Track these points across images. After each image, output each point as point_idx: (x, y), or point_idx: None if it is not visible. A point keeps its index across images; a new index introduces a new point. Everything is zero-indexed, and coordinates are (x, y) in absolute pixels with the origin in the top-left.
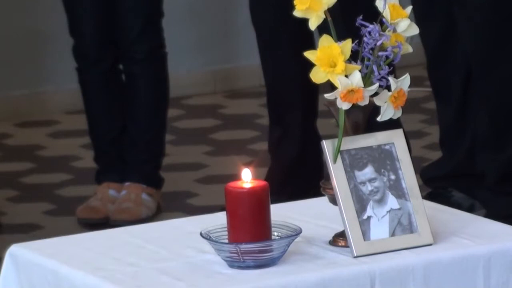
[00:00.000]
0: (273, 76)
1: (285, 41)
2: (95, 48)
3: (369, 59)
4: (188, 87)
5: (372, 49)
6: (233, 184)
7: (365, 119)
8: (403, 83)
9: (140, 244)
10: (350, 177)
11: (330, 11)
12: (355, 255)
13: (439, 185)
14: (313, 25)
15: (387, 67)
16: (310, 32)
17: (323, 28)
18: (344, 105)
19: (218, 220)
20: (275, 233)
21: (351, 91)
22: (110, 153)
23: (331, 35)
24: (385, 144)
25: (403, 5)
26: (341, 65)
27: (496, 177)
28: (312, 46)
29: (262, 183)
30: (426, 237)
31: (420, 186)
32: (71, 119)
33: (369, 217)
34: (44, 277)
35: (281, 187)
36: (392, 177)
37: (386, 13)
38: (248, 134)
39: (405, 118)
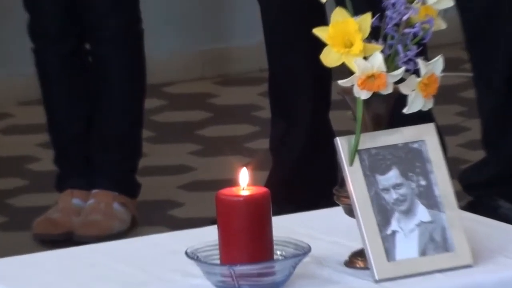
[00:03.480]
0: (278, 59)
1: (294, 18)
2: (56, 24)
3: (393, 37)
4: (170, 71)
5: (397, 25)
6: (226, 191)
7: (389, 111)
8: (435, 66)
9: (111, 265)
10: (371, 182)
11: None
12: (377, 278)
13: (481, 192)
14: None
15: (415, 47)
16: (321, 5)
17: (337, 0)
18: (363, 94)
19: (208, 236)
20: (278, 252)
21: (371, 76)
22: (74, 153)
23: (346, 7)
24: (413, 142)
25: None
26: (358, 44)
27: None
28: (324, 21)
29: (262, 189)
30: (464, 256)
31: (457, 194)
32: (26, 111)
33: (394, 232)
34: None
35: (286, 194)
36: (422, 182)
37: None
38: (245, 130)
39: (438, 110)
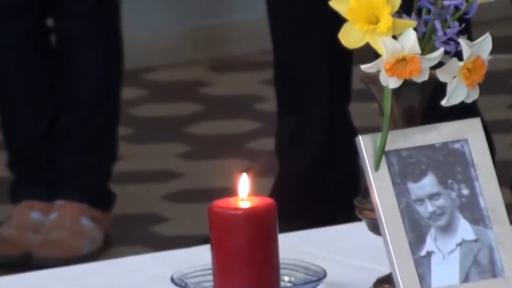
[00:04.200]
0: (285, 39)
1: None
2: None
3: (429, 12)
4: (153, 54)
5: None
6: (221, 203)
7: (423, 103)
8: (481, 47)
9: None
10: (401, 191)
11: None
12: None
13: None
14: None
15: (456, 23)
16: None
17: None
18: (392, 82)
19: (199, 258)
20: (286, 278)
21: (402, 60)
22: (33, 157)
23: None
24: (454, 142)
25: None
26: (386, 20)
27: None
28: None
29: (265, 201)
30: None
31: (508, 206)
32: None
33: (429, 253)
34: None
35: (295, 207)
36: (465, 191)
37: None
38: (245, 127)
39: (485, 102)
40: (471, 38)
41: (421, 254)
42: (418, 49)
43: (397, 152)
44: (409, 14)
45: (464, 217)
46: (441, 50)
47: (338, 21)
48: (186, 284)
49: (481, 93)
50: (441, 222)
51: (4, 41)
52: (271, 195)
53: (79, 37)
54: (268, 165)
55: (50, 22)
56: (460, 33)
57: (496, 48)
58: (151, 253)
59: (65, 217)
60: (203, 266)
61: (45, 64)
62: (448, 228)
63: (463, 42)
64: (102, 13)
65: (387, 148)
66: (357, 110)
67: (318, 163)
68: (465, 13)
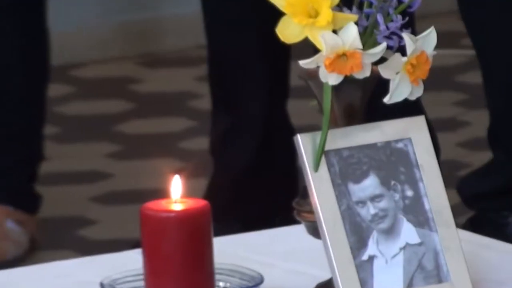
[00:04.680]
0: (220, 34)
1: None
2: None
3: (371, 5)
4: (81, 49)
5: None
6: (153, 206)
7: (365, 100)
8: (425, 42)
9: None
10: (342, 193)
11: None
12: None
13: (486, 206)
14: None
15: (399, 17)
16: None
17: None
18: (332, 78)
19: (130, 263)
20: (221, 284)
21: (343, 55)
22: None
23: None
24: (397, 141)
25: None
26: (326, 14)
27: None
28: None
29: (199, 203)
30: None
31: (454, 208)
32: None
33: (371, 258)
34: None
35: (231, 209)
36: (409, 193)
37: None
38: (178, 125)
39: (430, 99)
40: (414, 33)
41: (362, 258)
42: (359, 44)
43: (337, 151)
44: (350, 8)
45: (408, 220)
46: (383, 45)
47: (275, 14)
48: None
49: (425, 90)
50: (384, 225)
51: None
52: (206, 197)
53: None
54: (202, 166)
55: None
56: (404, 27)
57: (441, 43)
58: (79, 258)
59: None
60: (134, 271)
61: None
62: (391, 232)
63: (406, 36)
64: (25, 5)
65: (327, 148)
66: (295, 108)
67: (254, 163)
68: (409, 6)
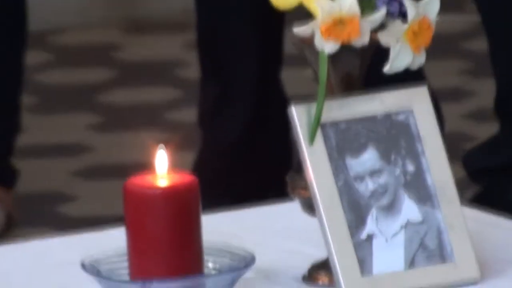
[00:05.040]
0: None
1: None
2: None
3: None
4: (60, 14)
5: None
6: (137, 181)
7: (364, 69)
8: (427, 7)
9: None
10: (339, 168)
11: None
12: None
13: (493, 180)
14: None
15: None
16: None
17: None
18: (328, 46)
19: (113, 242)
20: (210, 264)
21: (339, 21)
22: None
23: None
24: (398, 113)
25: None
26: None
27: None
28: None
29: (187, 178)
30: (468, 269)
31: (459, 183)
32: None
33: (370, 236)
34: None
35: (221, 184)
36: (410, 168)
37: None
38: (164, 95)
39: (433, 68)
40: None
41: (361, 237)
42: (357, 9)
43: (334, 124)
44: None
45: (409, 196)
46: (383, 11)
47: None
48: (98, 271)
49: (428, 58)
50: (384, 201)
51: None
52: (193, 171)
53: None
54: (190, 138)
55: None
56: None
57: (445, 8)
58: (59, 236)
59: None
60: (117, 250)
61: None
62: (391, 209)
63: (407, 1)
64: None
65: (323, 120)
66: (289, 77)
67: (246, 136)
68: None
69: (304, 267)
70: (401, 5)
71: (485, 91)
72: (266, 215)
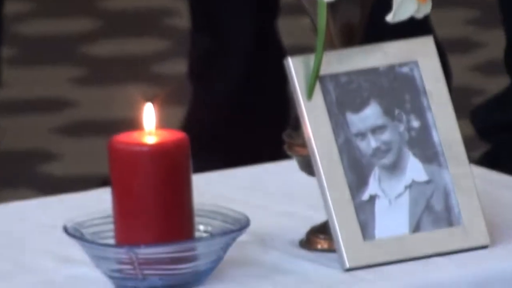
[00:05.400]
0: None
1: None
2: None
3: None
4: None
5: None
6: (123, 138)
7: (365, 18)
8: None
9: None
10: (339, 124)
11: None
12: (348, 266)
13: (504, 138)
14: None
15: None
16: None
17: None
18: None
19: (97, 203)
20: (202, 227)
21: None
22: None
23: None
24: (401, 65)
25: None
26: None
27: None
28: None
29: (176, 135)
30: (477, 233)
31: (467, 141)
32: None
33: (373, 197)
34: None
35: (212, 142)
36: (415, 124)
37: None
38: (151, 46)
39: (439, 17)
40: None
41: (363, 198)
42: None
43: (334, 76)
44: None
45: (414, 155)
46: None
47: None
48: (82, 234)
49: (434, 7)
50: (387, 160)
51: None
52: (183, 128)
53: None
54: (180, 93)
55: None
56: None
57: None
58: (39, 198)
59: None
60: (102, 213)
61: None
62: (395, 168)
63: None
64: None
65: (322, 72)
66: (286, 27)
67: (239, 90)
68: None
69: (301, 231)
70: None
71: (495, 42)
72: (261, 175)
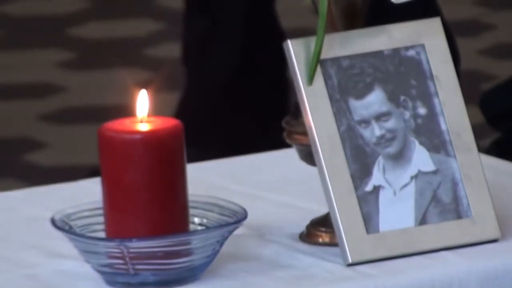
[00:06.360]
0: None
1: None
2: None
3: None
4: None
5: None
6: (114, 125)
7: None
8: None
9: None
10: (341, 111)
11: None
12: (350, 261)
13: None
14: None
15: None
16: None
17: None
18: None
19: (86, 195)
20: (197, 220)
21: None
22: None
23: None
24: (407, 48)
25: None
26: None
27: None
28: None
29: (170, 122)
30: (486, 226)
31: (477, 128)
32: None
33: (377, 188)
34: None
35: (208, 129)
36: (422, 111)
37: None
38: (144, 28)
39: None
40: None
41: (366, 189)
42: None
43: (336, 60)
44: None
45: (421, 143)
46: None
47: None
48: (70, 227)
49: None
50: (392, 149)
51: None
52: (177, 115)
53: None
54: (173, 77)
55: None
56: None
57: None
58: (25, 188)
59: None
60: (91, 204)
61: None
62: (400, 157)
63: None
64: None
65: (323, 56)
66: (285, 8)
67: (236, 75)
68: None
69: (301, 223)
70: None
71: (505, 24)
72: (259, 164)
